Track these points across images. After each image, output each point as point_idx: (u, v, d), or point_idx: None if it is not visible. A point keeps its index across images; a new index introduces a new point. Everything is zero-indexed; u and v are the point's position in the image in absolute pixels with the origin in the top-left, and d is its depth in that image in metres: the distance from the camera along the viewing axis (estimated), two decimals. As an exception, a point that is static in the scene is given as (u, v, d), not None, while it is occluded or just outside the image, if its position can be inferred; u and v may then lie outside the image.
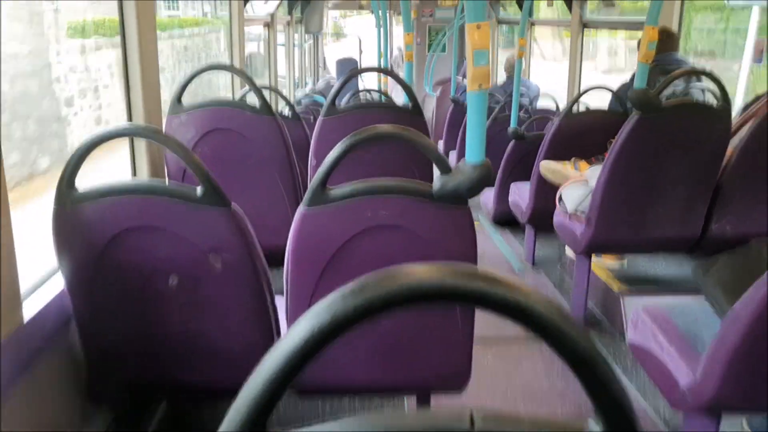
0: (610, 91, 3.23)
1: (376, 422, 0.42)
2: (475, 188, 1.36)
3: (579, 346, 0.43)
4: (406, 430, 0.42)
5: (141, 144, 2.22)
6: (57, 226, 1.40)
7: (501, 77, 6.03)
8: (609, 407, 0.44)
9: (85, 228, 1.40)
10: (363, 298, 0.43)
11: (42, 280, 1.59)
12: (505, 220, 3.99)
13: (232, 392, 0.43)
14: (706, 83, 2.86)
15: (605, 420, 0.45)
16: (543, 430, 0.43)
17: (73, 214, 1.39)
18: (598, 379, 0.44)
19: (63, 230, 1.40)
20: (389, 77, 3.23)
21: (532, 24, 6.08)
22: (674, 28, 3.49)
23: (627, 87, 3.13)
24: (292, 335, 0.44)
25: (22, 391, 1.34)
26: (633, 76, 3.24)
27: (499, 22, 7.06)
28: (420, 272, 0.44)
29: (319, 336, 0.43)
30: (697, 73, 2.81)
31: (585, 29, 4.64)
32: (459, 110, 5.35)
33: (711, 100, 2.76)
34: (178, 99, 2.32)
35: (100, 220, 1.39)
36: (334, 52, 11.47)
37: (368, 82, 7.96)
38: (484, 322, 2.55)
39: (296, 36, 7.26)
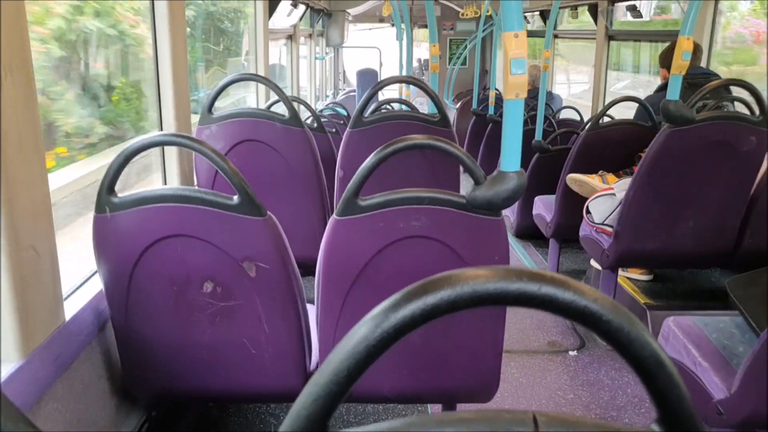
0: (638, 102, 3.20)
1: (440, 420, 0.42)
2: (511, 197, 1.34)
3: (646, 352, 0.43)
4: (471, 429, 0.42)
5: (172, 153, 2.25)
6: (96, 231, 1.43)
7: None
8: (674, 414, 0.44)
9: (123, 234, 1.42)
10: (428, 300, 0.43)
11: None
12: (528, 234, 3.97)
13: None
14: (738, 94, 2.82)
15: (669, 426, 0.44)
16: None
17: (112, 220, 1.41)
18: (664, 385, 0.43)
19: (102, 235, 1.43)
20: (411, 87, 3.23)
21: (556, 36, 6.06)
22: (706, 38, 3.45)
23: (654, 98, 3.10)
24: (356, 333, 0.43)
25: (62, 387, 1.37)
26: (659, 87, 3.22)
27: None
28: (485, 274, 0.44)
29: (382, 336, 0.43)
30: (734, 84, 2.76)
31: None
32: (481, 123, 5.34)
33: (742, 112, 2.71)
34: (209, 109, 2.34)
35: (137, 226, 1.41)
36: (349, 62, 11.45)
37: (388, 92, 7.98)
38: (509, 334, 2.49)
39: (317, 48, 7.32)
